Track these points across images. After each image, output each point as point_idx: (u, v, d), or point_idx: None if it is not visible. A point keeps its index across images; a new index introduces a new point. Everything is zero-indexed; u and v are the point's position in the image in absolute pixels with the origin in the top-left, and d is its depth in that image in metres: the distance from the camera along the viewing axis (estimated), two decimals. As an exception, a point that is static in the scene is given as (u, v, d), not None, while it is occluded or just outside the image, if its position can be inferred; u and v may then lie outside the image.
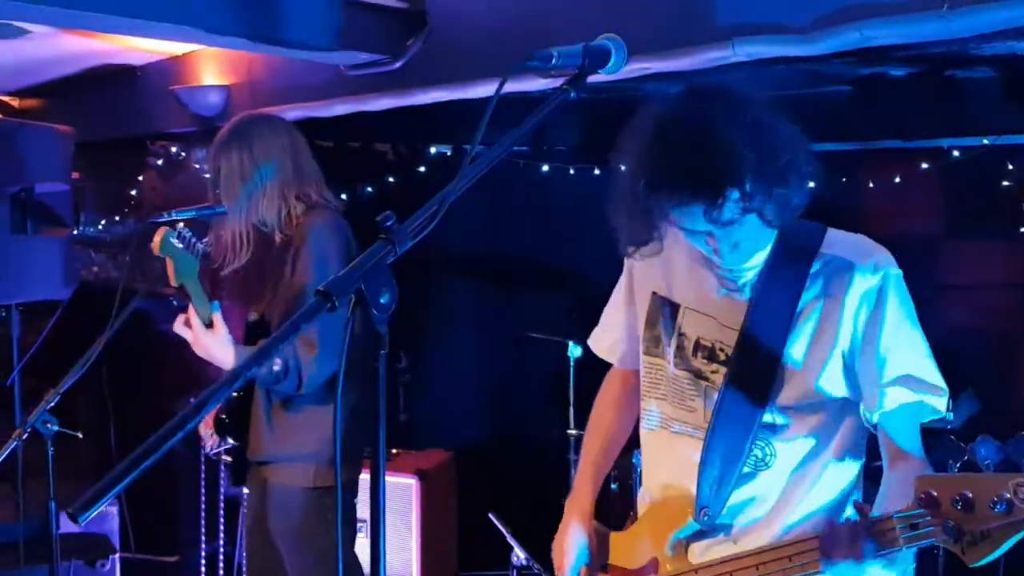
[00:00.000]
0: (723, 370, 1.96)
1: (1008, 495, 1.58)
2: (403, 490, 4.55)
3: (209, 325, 2.72)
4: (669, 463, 2.07)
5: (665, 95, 1.87)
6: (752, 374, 1.92)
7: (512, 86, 1.41)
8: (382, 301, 1.29)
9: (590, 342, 2.34)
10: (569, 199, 5.69)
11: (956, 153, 4.73)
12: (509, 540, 4.37)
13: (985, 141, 4.62)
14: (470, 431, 5.42)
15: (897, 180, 4.96)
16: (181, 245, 2.69)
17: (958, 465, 3.67)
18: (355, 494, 3.11)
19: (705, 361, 1.99)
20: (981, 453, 3.70)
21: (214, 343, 2.71)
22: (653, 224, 1.85)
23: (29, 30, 3.99)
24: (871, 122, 4.59)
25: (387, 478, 1.39)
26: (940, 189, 4.91)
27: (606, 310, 2.30)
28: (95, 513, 1.13)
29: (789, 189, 1.77)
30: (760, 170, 1.72)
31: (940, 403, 1.89)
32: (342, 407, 2.90)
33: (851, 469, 1.99)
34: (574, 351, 4.63)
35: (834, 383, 1.91)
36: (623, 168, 1.84)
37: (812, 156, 1.83)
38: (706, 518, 1.97)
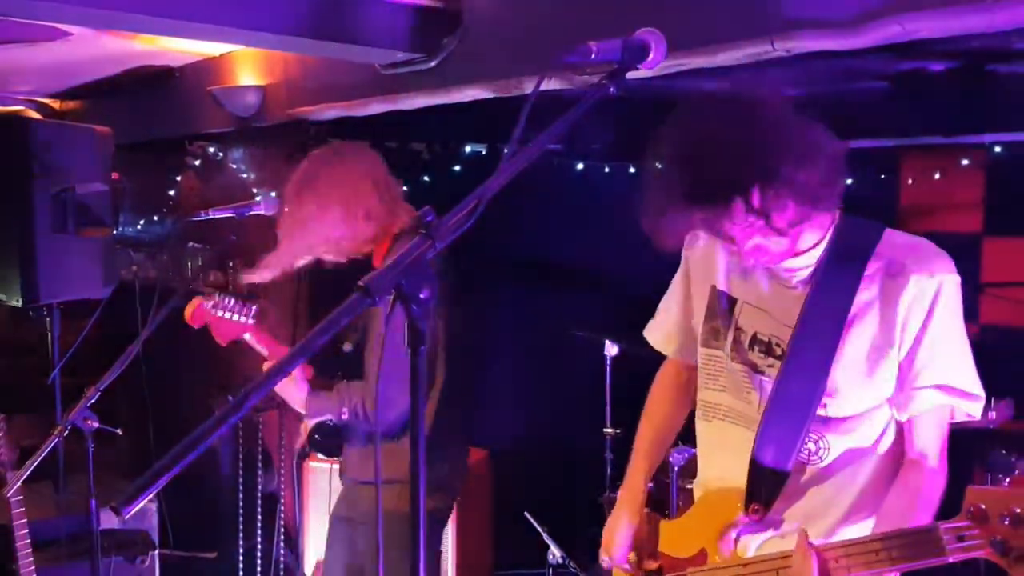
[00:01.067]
0: (779, 364, 1.96)
1: None
2: (439, 488, 4.56)
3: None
4: (724, 454, 2.07)
5: (684, 103, 1.83)
6: (805, 371, 1.91)
7: (548, 83, 1.40)
8: (422, 297, 1.29)
9: (645, 333, 2.35)
10: (604, 197, 5.66)
11: (998, 149, 4.67)
12: (545, 539, 4.37)
13: (1027, 136, 4.55)
14: (506, 430, 5.40)
15: (937, 176, 4.90)
16: (220, 312, 2.80)
17: (1008, 479, 3.59)
18: (444, 523, 3.12)
19: (761, 355, 1.99)
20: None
21: (287, 386, 2.83)
22: (675, 232, 1.86)
23: (70, 32, 4.04)
24: (910, 118, 4.53)
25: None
26: (981, 185, 4.84)
27: (662, 303, 2.31)
28: (138, 508, 1.13)
29: (804, 195, 1.73)
30: (771, 176, 1.70)
31: (974, 408, 1.89)
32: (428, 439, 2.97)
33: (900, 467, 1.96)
34: (610, 349, 4.62)
35: (886, 384, 1.89)
36: (643, 180, 1.85)
37: (840, 161, 1.78)
38: (755, 512, 1.97)
